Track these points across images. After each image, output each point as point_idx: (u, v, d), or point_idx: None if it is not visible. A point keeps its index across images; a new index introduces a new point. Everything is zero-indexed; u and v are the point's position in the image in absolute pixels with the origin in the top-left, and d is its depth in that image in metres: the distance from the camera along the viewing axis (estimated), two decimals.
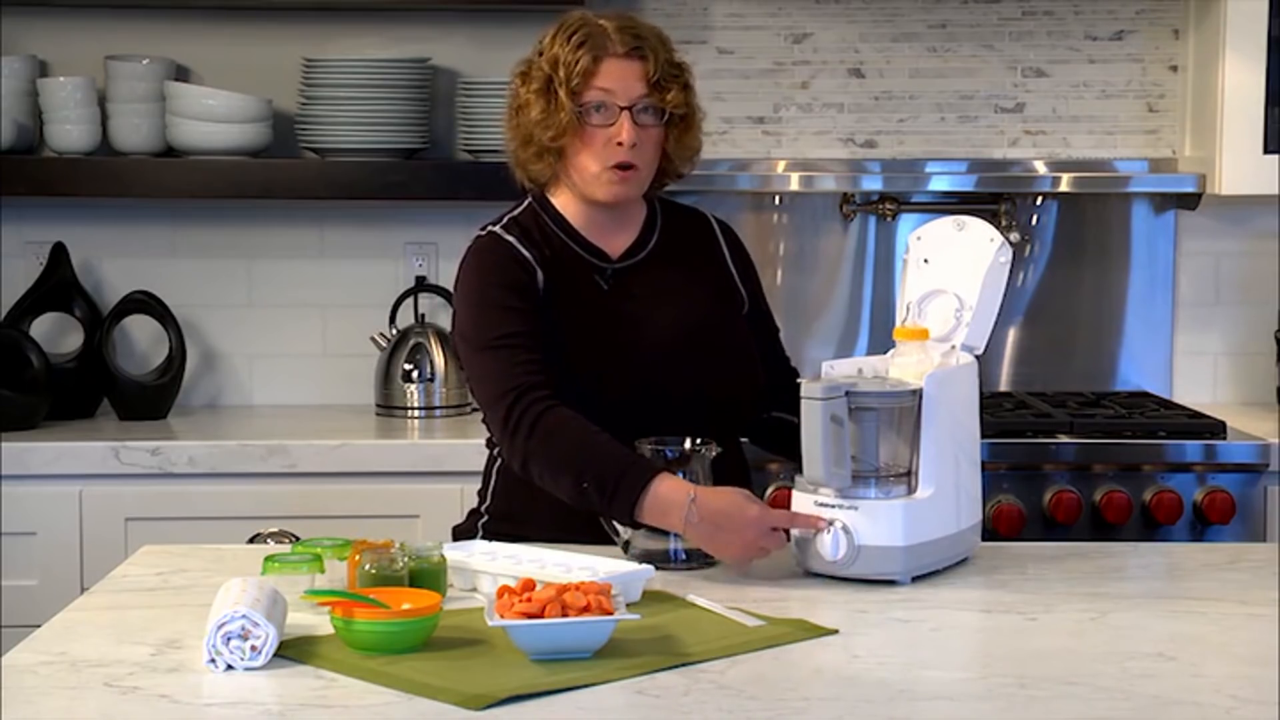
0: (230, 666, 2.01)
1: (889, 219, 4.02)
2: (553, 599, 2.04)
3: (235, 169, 3.84)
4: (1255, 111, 3.80)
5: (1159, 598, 2.43)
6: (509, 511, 2.73)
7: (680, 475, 2.48)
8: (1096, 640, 2.17)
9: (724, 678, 1.99)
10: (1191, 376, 4.10)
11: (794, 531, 2.46)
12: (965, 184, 4.00)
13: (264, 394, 4.08)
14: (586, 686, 1.95)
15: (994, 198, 3.99)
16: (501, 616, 2.04)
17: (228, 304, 4.06)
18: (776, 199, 4.04)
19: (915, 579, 2.43)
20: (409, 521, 3.43)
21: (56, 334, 3.96)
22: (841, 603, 2.33)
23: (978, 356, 2.56)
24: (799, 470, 2.44)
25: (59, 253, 3.91)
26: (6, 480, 3.47)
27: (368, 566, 2.24)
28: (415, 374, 3.89)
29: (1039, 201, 4.05)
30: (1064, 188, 3.99)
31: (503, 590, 2.11)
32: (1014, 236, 3.93)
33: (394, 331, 3.97)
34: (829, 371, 2.51)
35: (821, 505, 2.42)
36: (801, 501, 2.45)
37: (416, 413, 3.88)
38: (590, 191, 2.69)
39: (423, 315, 3.99)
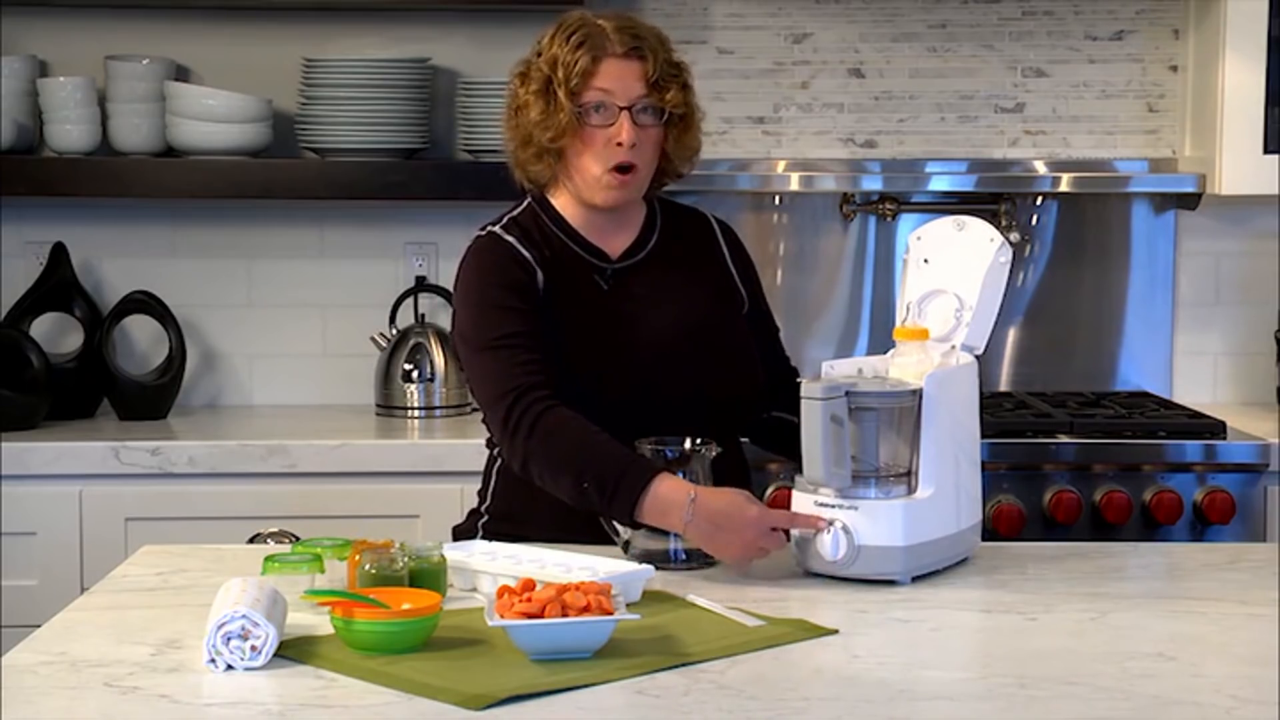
0: (230, 666, 2.01)
1: (889, 219, 4.02)
2: (553, 599, 2.04)
3: (235, 169, 3.84)
4: (1255, 111, 3.80)
5: (1159, 598, 2.43)
6: (509, 511, 2.73)
7: (680, 475, 2.48)
8: (1096, 640, 2.17)
9: (724, 678, 1.99)
10: (1191, 376, 4.10)
11: (794, 531, 2.46)
12: (965, 184, 4.00)
13: (264, 394, 4.08)
14: (586, 686, 1.95)
15: (994, 198, 3.99)
16: (501, 616, 2.04)
17: (228, 304, 4.06)
18: (776, 199, 4.04)
19: (915, 579, 2.43)
20: (409, 521, 3.43)
21: (56, 334, 3.96)
22: (841, 603, 2.33)
23: (978, 356, 2.56)
24: (799, 470, 2.44)
25: (59, 253, 3.91)
26: (6, 480, 3.47)
27: (368, 566, 2.24)
28: (415, 374, 3.89)
29: (1039, 201, 4.05)
30: (1064, 188, 3.99)
31: (503, 590, 2.11)
32: (1014, 236, 3.93)
33: (394, 331, 3.97)
34: (829, 371, 2.51)
35: (821, 505, 2.42)
36: (801, 501, 2.45)
37: (416, 413, 3.88)
38: (588, 196, 2.69)
39: (423, 315, 3.99)
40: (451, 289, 2.79)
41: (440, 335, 3.90)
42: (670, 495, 2.44)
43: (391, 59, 3.91)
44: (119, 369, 3.85)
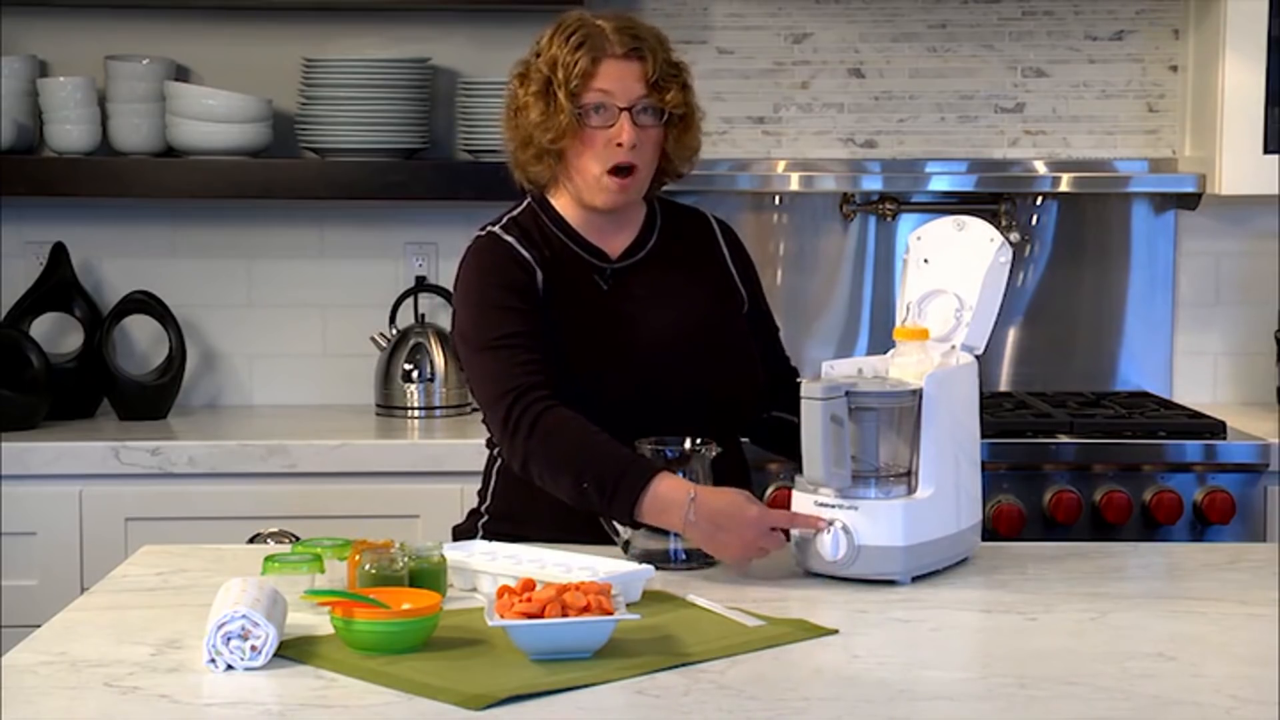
0: (230, 666, 2.01)
1: (889, 219, 4.02)
2: (553, 599, 2.04)
3: (235, 169, 3.84)
4: (1255, 111, 3.80)
5: (1159, 598, 2.43)
6: (509, 511, 2.73)
7: (680, 475, 2.48)
8: (1096, 640, 2.17)
9: (724, 678, 1.99)
10: (1191, 376, 4.10)
11: (794, 531, 2.46)
12: (965, 184, 4.00)
13: (264, 394, 4.08)
14: (586, 686, 1.95)
15: (994, 198, 3.99)
16: (501, 616, 2.04)
17: (228, 304, 4.06)
18: (776, 199, 4.04)
19: (915, 579, 2.43)
20: (409, 521, 3.43)
21: (56, 334, 3.96)
22: (841, 603, 2.33)
23: (978, 356, 2.56)
24: (799, 470, 2.44)
25: (59, 253, 3.91)
26: (6, 480, 3.47)
27: (368, 566, 2.24)
28: (415, 374, 3.89)
29: (1039, 201, 4.05)
30: (1064, 188, 3.99)
31: (503, 590, 2.11)
32: (1014, 236, 3.93)
33: (394, 331, 3.97)
34: (829, 371, 2.51)
35: (821, 505, 2.42)
36: (801, 501, 2.45)
37: (416, 413, 3.88)
38: (588, 198, 2.69)
39: (423, 315, 3.99)
40: (451, 289, 2.79)
41: (440, 335, 3.90)
42: (670, 495, 2.44)
43: (391, 59, 3.91)
44: (119, 369, 3.85)
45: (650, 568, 2.34)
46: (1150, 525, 3.47)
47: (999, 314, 2.57)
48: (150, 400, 3.84)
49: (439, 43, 4.02)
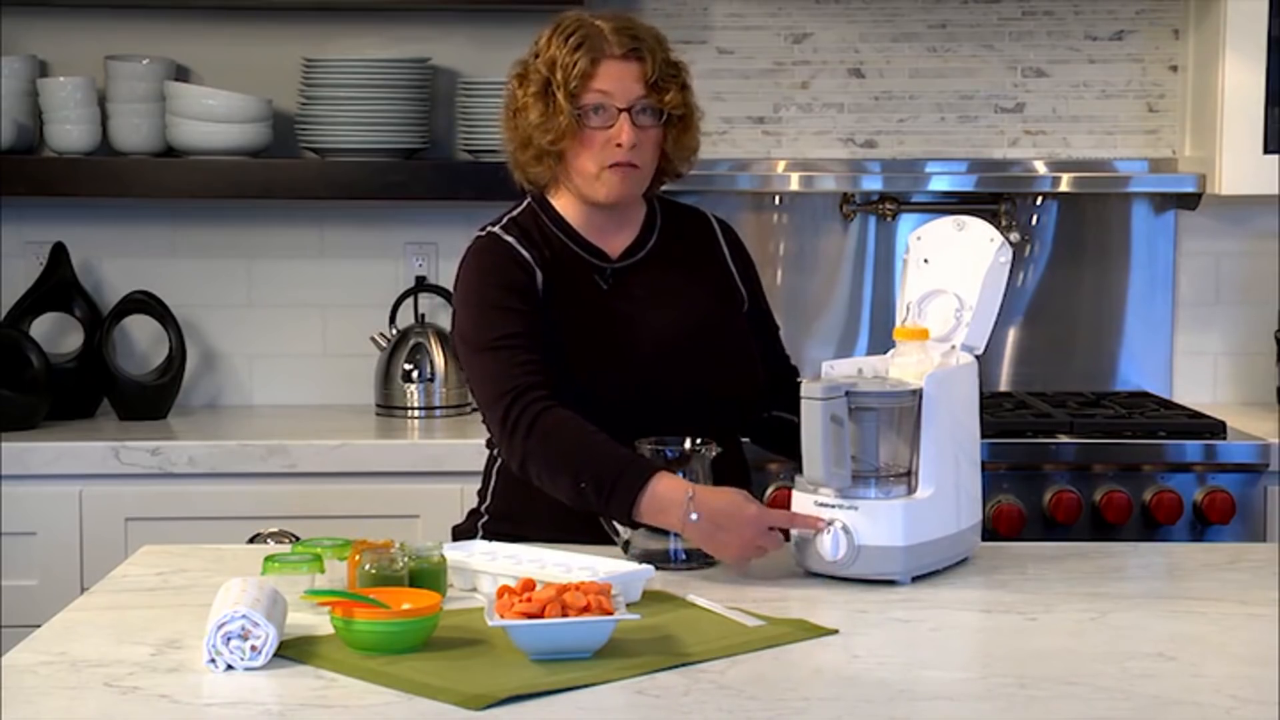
0: (230, 666, 2.01)
1: (889, 219, 4.02)
2: (553, 599, 2.04)
3: (235, 169, 3.84)
4: (1255, 111, 3.80)
5: (1159, 598, 2.43)
6: (509, 511, 2.73)
7: (680, 475, 2.48)
8: (1096, 640, 2.17)
9: (724, 678, 1.99)
10: (1191, 376, 4.10)
11: (794, 531, 2.46)
12: (965, 184, 4.00)
13: (264, 394, 4.08)
14: (586, 686, 1.95)
15: (994, 198, 3.99)
16: (501, 616, 2.04)
17: (228, 304, 4.06)
18: (776, 199, 4.04)
19: (915, 579, 2.43)
20: (409, 521, 3.43)
21: (56, 334, 3.96)
22: (841, 603, 2.33)
23: (978, 356, 2.56)
24: (799, 470, 2.44)
25: (59, 253, 3.91)
26: (6, 480, 3.47)
27: (368, 566, 2.24)
28: (415, 374, 3.89)
29: (1039, 201, 4.05)
30: (1064, 188, 3.99)
31: (503, 590, 2.11)
32: (1014, 236, 3.93)
33: (394, 331, 3.97)
34: (829, 371, 2.51)
35: (821, 505, 2.42)
36: (801, 501, 2.45)
37: (416, 413, 3.88)
38: (590, 193, 2.69)
39: (423, 315, 3.99)
40: (451, 289, 2.79)
41: (440, 335, 3.90)
42: (668, 494, 2.44)
43: (391, 59, 3.91)
44: (119, 369, 3.85)
45: (650, 568, 2.34)
46: (1150, 525, 3.47)
47: (999, 314, 2.57)
48: (150, 400, 3.84)
49: (439, 43, 4.02)
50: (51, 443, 3.52)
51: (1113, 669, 2.03)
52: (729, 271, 2.83)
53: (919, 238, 2.62)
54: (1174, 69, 4.06)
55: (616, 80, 2.64)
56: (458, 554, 2.42)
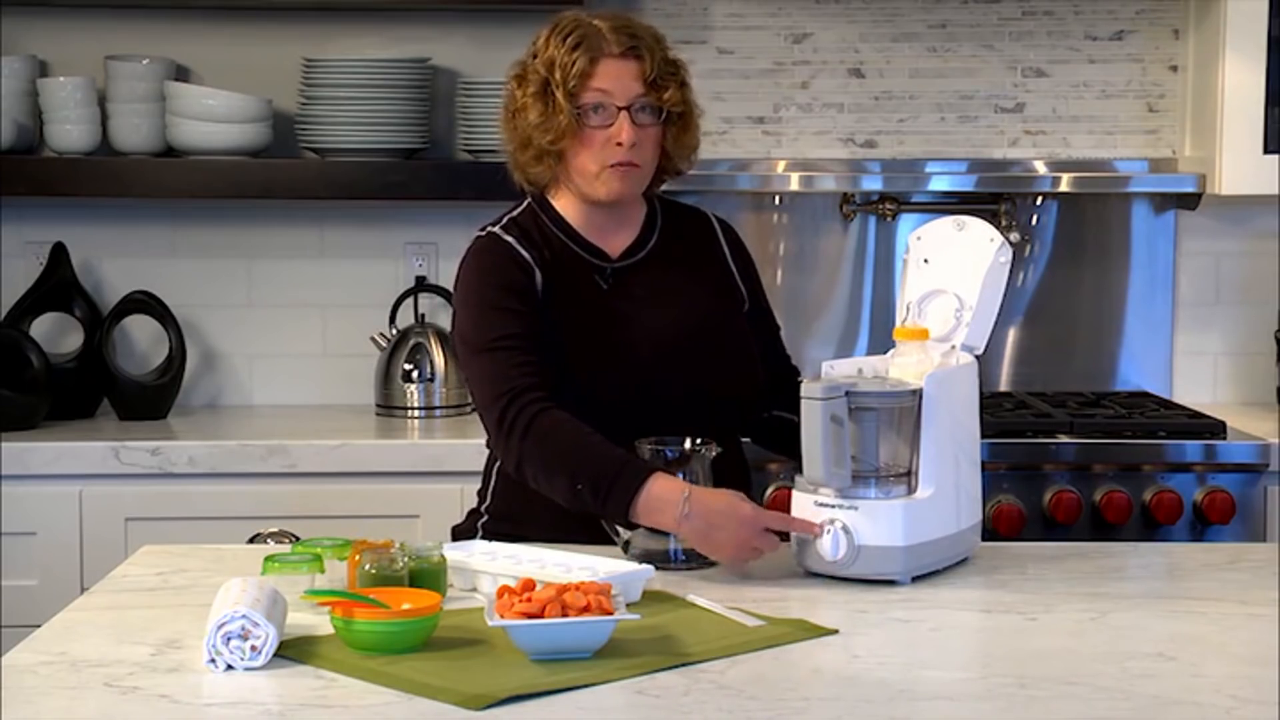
0: (230, 666, 2.01)
1: (889, 219, 4.02)
2: (553, 599, 2.04)
3: (235, 169, 3.84)
4: (1255, 111, 3.80)
5: (1159, 598, 2.43)
6: (508, 511, 2.73)
7: (680, 475, 2.48)
8: (1096, 640, 2.17)
9: (724, 678, 1.99)
10: (1191, 376, 4.10)
11: (794, 531, 2.45)
12: (965, 184, 4.00)
13: (264, 394, 4.08)
14: (586, 686, 1.95)
15: (994, 198, 3.99)
16: (501, 616, 2.04)
17: (228, 304, 4.06)
18: (776, 199, 4.04)
19: (915, 579, 2.43)
20: (409, 521, 3.43)
21: (56, 334, 3.96)
22: (841, 603, 2.33)
23: (978, 356, 2.56)
24: (799, 470, 2.44)
25: (59, 253, 3.91)
26: (6, 480, 3.47)
27: (368, 566, 2.24)
28: (415, 374, 3.89)
29: (1039, 201, 4.05)
30: (1064, 188, 3.99)
31: (503, 590, 2.11)
32: (1014, 236, 3.93)
33: (394, 331, 3.97)
34: (829, 371, 2.51)
35: (821, 505, 2.42)
36: (801, 501, 2.45)
37: (416, 413, 3.88)
38: (591, 191, 2.69)
39: (423, 315, 3.99)
40: (451, 289, 2.79)
41: (440, 335, 3.90)
42: (665, 495, 2.44)
43: (391, 59, 3.91)
44: (119, 369, 3.85)
45: (650, 568, 2.34)
46: (1150, 525, 3.47)
47: (999, 314, 2.57)
48: (150, 400, 3.84)
49: (439, 43, 4.02)
50: (51, 443, 3.52)
51: (1113, 669, 2.03)
52: (729, 271, 2.83)
53: (919, 238, 2.62)
54: (1174, 69, 4.06)
55: (615, 79, 2.64)
56: (458, 554, 2.42)
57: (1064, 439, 3.53)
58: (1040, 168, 4.01)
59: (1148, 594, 2.47)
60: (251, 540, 3.35)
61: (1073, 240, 4.06)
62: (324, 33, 4.01)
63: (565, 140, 2.65)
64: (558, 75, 2.63)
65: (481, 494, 2.81)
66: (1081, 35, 4.06)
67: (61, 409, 3.77)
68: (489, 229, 2.74)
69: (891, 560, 2.40)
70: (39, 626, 2.21)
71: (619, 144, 2.64)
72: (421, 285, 4.02)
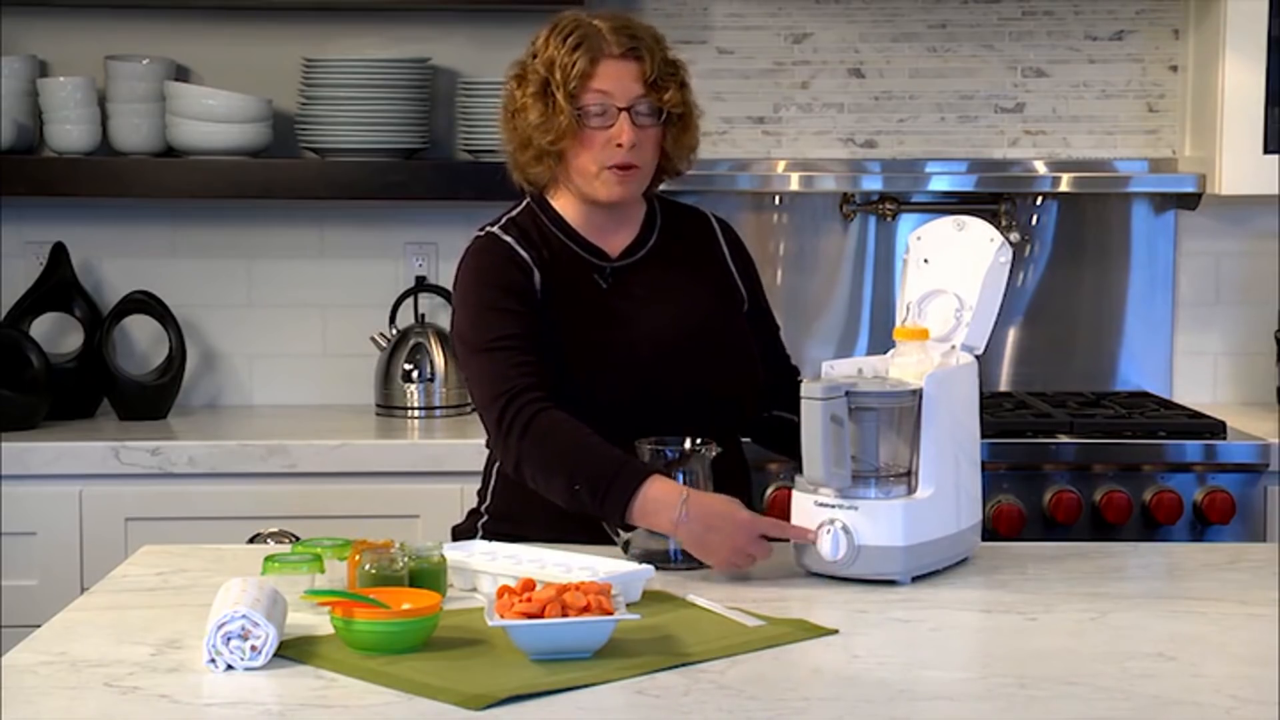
0: (230, 666, 2.01)
1: (889, 219, 4.02)
2: (553, 599, 2.04)
3: (235, 169, 3.84)
4: (1255, 111, 3.80)
5: (1159, 598, 2.43)
6: (508, 511, 2.73)
7: (680, 475, 2.48)
8: (1096, 640, 2.17)
9: (724, 678, 1.99)
10: (1191, 376, 4.10)
11: None
12: (965, 184, 4.00)
13: (264, 394, 4.08)
14: (586, 686, 1.95)
15: (994, 198, 3.99)
16: (501, 616, 2.04)
17: (228, 304, 4.06)
18: (776, 199, 4.04)
19: (915, 579, 2.43)
20: (409, 521, 3.43)
21: (56, 334, 3.96)
22: (841, 603, 2.33)
23: (978, 356, 2.56)
24: (799, 470, 2.44)
25: (59, 253, 3.91)
26: (6, 480, 3.47)
27: (368, 566, 2.24)
28: (415, 374, 3.89)
29: (1039, 201, 4.05)
30: (1064, 188, 3.99)
31: (503, 590, 2.11)
32: (1014, 236, 3.93)
33: (394, 331, 3.97)
34: (829, 371, 2.51)
35: (821, 505, 2.42)
36: (801, 501, 2.45)
37: (416, 413, 3.88)
38: (591, 192, 2.69)
39: (423, 315, 3.99)
40: (451, 289, 2.79)
41: (440, 335, 3.90)
42: (662, 496, 2.44)
43: (391, 59, 3.91)
44: (119, 369, 3.85)
45: (650, 568, 2.34)
46: (1150, 525, 3.47)
47: (999, 314, 2.57)
48: (150, 400, 3.84)
49: (439, 43, 4.02)
50: (51, 443, 3.52)
51: (1113, 669, 2.03)
52: (729, 271, 2.83)
53: (919, 238, 2.62)
54: (1174, 69, 4.06)
55: (616, 80, 2.64)
56: (458, 554, 2.42)
57: (1064, 439, 3.53)
58: (1040, 168, 4.01)
59: (1148, 594, 2.47)
60: (251, 540, 3.35)
61: (1073, 240, 4.06)
62: (324, 33, 4.01)
63: (565, 141, 2.65)
64: (558, 76, 2.63)
65: (481, 494, 2.81)
66: (1081, 35, 4.06)
67: (61, 409, 3.77)
68: (487, 229, 2.74)
69: (891, 560, 2.40)
70: (39, 626, 2.21)
71: (619, 145, 2.64)
72: (421, 285, 4.02)
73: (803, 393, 2.40)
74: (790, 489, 2.49)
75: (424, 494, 3.48)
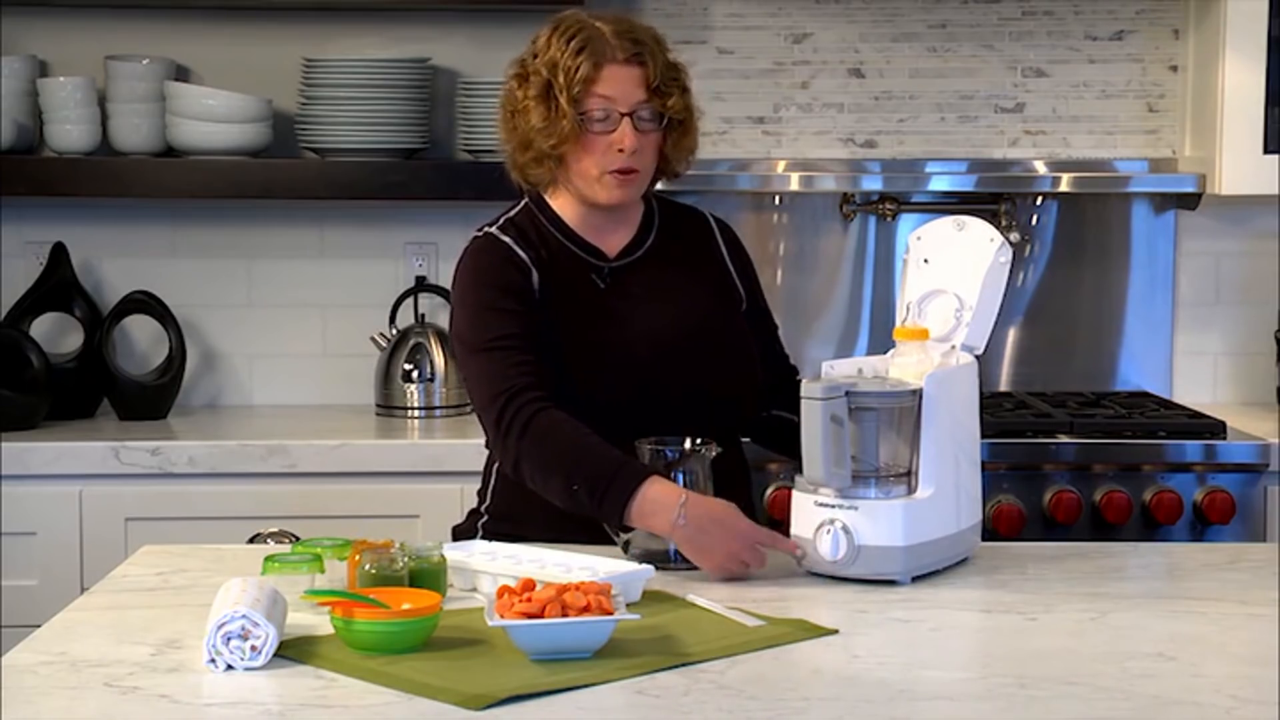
0: (230, 666, 2.01)
1: (889, 219, 4.02)
2: (553, 599, 2.04)
3: (235, 169, 3.84)
4: (1255, 111, 3.80)
5: (1159, 598, 2.43)
6: (508, 511, 2.73)
7: (680, 475, 2.48)
8: (1096, 640, 2.17)
9: (724, 678, 1.99)
10: (1191, 376, 4.10)
11: (794, 532, 2.45)
12: (965, 184, 4.00)
13: (264, 394, 4.08)
14: (586, 686, 1.95)
15: (994, 198, 3.99)
16: (501, 616, 2.04)
17: (228, 304, 4.06)
18: (776, 199, 4.04)
19: (915, 579, 2.43)
20: (409, 521, 3.43)
21: (56, 334, 3.96)
22: (841, 603, 2.33)
23: (978, 356, 2.56)
24: (799, 470, 2.44)
25: (59, 253, 3.91)
26: (6, 480, 3.47)
27: (368, 566, 2.24)
28: (415, 374, 3.89)
29: (1039, 201, 4.05)
30: (1064, 188, 3.99)
31: (503, 590, 2.11)
32: (1014, 236, 3.92)
33: (394, 331, 3.97)
34: (829, 371, 2.51)
35: (821, 505, 2.42)
36: (801, 501, 2.45)
37: (416, 413, 3.88)
38: (591, 195, 2.69)
39: (423, 315, 3.99)
40: (450, 289, 2.79)
41: (440, 335, 3.90)
42: (660, 498, 2.44)
43: (391, 59, 3.91)
44: (119, 369, 3.85)
45: (650, 568, 2.34)
46: (1150, 525, 3.47)
47: (999, 314, 2.57)
48: (150, 400, 3.84)
49: (439, 43, 4.02)
50: (51, 443, 3.52)
51: (1113, 669, 2.03)
52: (727, 271, 2.83)
53: (919, 238, 2.62)
54: (1174, 69, 4.06)
55: (619, 85, 2.64)
56: (458, 554, 2.42)
57: (1064, 439, 3.53)
58: (1040, 168, 4.01)
59: (1148, 594, 2.47)
60: (251, 540, 3.35)
61: (1073, 240, 4.06)
62: (324, 33, 4.01)
63: (567, 145, 2.64)
64: (561, 79, 2.63)
65: (481, 494, 2.81)
66: (1081, 35, 4.06)
67: (61, 409, 3.77)
68: (486, 229, 2.74)
69: (891, 560, 2.40)
70: (39, 626, 2.21)
71: (620, 150, 2.64)
72: (421, 285, 4.02)
73: (803, 393, 2.41)
74: (790, 489, 2.49)
75: (424, 494, 3.48)
